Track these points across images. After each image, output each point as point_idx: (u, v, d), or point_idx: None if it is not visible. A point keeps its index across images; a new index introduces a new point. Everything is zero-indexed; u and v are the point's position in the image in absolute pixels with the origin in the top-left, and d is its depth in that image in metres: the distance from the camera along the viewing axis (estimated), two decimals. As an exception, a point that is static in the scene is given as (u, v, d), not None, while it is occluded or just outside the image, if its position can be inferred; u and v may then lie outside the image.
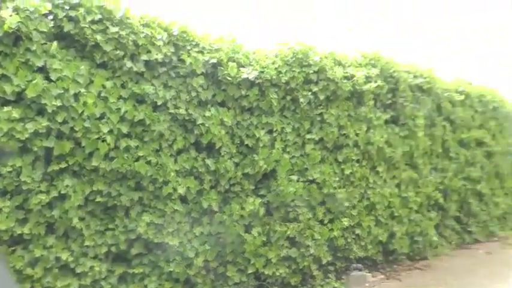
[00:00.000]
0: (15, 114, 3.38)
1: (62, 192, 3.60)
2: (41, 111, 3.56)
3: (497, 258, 7.25)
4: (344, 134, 5.70)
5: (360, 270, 5.27)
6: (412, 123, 6.78)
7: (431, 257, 7.10)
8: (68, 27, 3.74)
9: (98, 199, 3.84)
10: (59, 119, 3.58)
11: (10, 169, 3.36)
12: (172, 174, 4.14)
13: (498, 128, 9.61)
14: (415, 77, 6.96)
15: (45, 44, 3.62)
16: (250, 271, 4.72)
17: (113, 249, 3.92)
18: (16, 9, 3.45)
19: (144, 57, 4.13)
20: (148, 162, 4.05)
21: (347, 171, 5.69)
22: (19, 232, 3.41)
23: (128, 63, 4.03)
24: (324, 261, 5.38)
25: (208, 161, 4.48)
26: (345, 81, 5.58)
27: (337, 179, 5.56)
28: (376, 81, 5.98)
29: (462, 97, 8.04)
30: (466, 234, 8.24)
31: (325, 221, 5.48)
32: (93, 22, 3.86)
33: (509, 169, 9.87)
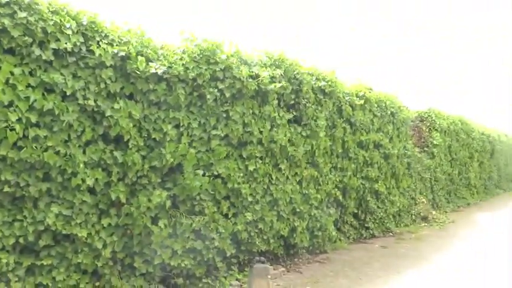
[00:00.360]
0: None
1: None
2: None
3: (391, 252, 9.02)
4: (248, 132, 6.86)
5: (263, 262, 6.40)
6: (314, 124, 8.22)
7: (331, 251, 8.65)
8: (-29, 10, 4.31)
9: (6, 189, 4.44)
10: (-34, 105, 4.15)
11: None
12: (81, 165, 4.87)
13: (395, 132, 11.71)
14: (318, 79, 8.44)
15: None
16: (156, 262, 5.60)
17: (21, 240, 4.54)
18: None
19: (53, 45, 4.80)
20: (57, 153, 4.74)
21: (251, 168, 6.86)
22: None
23: (37, 51, 4.68)
24: (228, 254, 6.46)
25: (116, 153, 5.28)
26: (251, 80, 6.76)
27: (241, 174, 6.70)
28: (280, 82, 7.26)
29: (362, 101, 9.79)
30: (364, 229, 10.02)
31: (229, 215, 6.59)
32: (0, 5, 4.46)
33: (405, 170, 12.04)
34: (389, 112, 11.25)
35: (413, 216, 12.37)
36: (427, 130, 15.06)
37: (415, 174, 13.08)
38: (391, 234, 10.74)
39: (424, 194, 13.70)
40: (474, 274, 7.16)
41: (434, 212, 13.23)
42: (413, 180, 12.95)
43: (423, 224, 12.22)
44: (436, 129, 15.33)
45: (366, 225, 10.26)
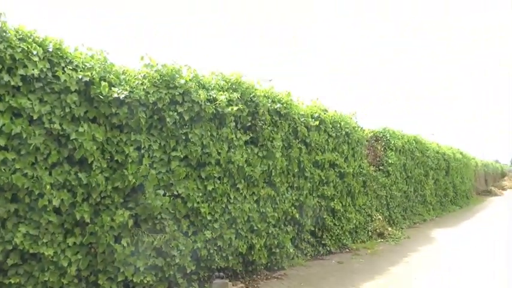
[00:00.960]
0: None
1: None
2: None
3: (347, 267, 9.78)
4: (207, 153, 7.49)
5: (222, 278, 7.01)
6: (270, 145, 8.94)
7: (288, 267, 9.30)
8: None
9: (-26, 210, 4.87)
10: None
11: None
12: (48, 187, 5.36)
13: (350, 152, 12.61)
14: (273, 102, 9.21)
15: None
16: (120, 279, 6.09)
17: (-11, 258, 4.96)
18: None
19: (21, 71, 5.32)
20: (25, 175, 5.22)
21: (209, 187, 7.48)
22: None
23: (6, 77, 5.19)
24: (188, 270, 7.02)
25: (81, 175, 5.79)
26: (208, 103, 7.43)
27: (200, 194, 7.31)
28: (237, 105, 7.96)
29: (317, 122, 10.63)
30: (321, 246, 10.76)
31: (189, 233, 7.15)
32: (-30, 35, 4.96)
33: (360, 188, 12.94)
34: (344, 132, 12.15)
35: (369, 232, 13.23)
36: (382, 149, 16.13)
37: (370, 192, 14.02)
38: (347, 250, 11.52)
39: (380, 211, 14.66)
40: (419, 282, 7.97)
41: (390, 229, 14.16)
42: (369, 197, 13.88)
43: (379, 240, 13.10)
44: (390, 148, 16.44)
45: (323, 242, 11.01)
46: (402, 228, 15.43)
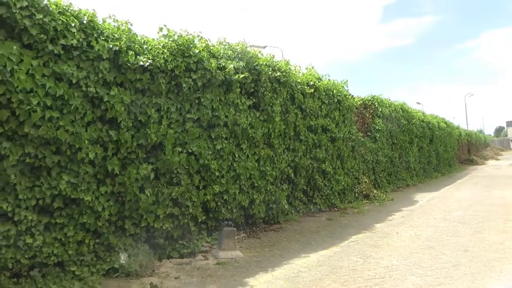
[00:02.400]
0: (-35, 86, 5.19)
1: (2, 152, 5.49)
2: (-16, 84, 5.39)
3: (336, 223, 10.95)
4: (216, 116, 8.44)
5: (230, 226, 8.07)
6: (270, 110, 9.90)
7: (283, 222, 10.44)
8: (0, 11, 5.59)
9: (27, 160, 5.79)
10: (1, 91, 5.46)
11: (-36, 131, 5.15)
12: (86, 141, 6.29)
13: (341, 118, 13.65)
14: (274, 70, 10.12)
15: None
16: (143, 225, 7.11)
17: (40, 202, 5.91)
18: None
19: (62, 41, 6.15)
20: (67, 131, 6.12)
21: (218, 147, 8.47)
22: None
23: (50, 46, 6.02)
24: (199, 220, 8.07)
25: (111, 132, 6.71)
26: (219, 71, 8.33)
27: (210, 152, 8.29)
28: (243, 73, 8.87)
29: (312, 90, 11.59)
30: (312, 204, 11.91)
31: (200, 187, 8.17)
32: (21, 8, 5.76)
33: (349, 153, 14.04)
34: (336, 100, 13.15)
35: (356, 194, 14.44)
36: (370, 116, 17.21)
37: (358, 157, 15.17)
38: (336, 209, 12.71)
39: (367, 174, 15.85)
40: (398, 236, 9.14)
41: (375, 191, 15.38)
42: (357, 161, 15.02)
43: (365, 201, 14.32)
44: (378, 116, 17.53)
45: (314, 200, 12.16)
46: (387, 192, 16.68)
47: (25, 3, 5.77)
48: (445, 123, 30.64)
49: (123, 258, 6.57)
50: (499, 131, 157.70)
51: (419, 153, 22.89)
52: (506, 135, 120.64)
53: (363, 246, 8.33)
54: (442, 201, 14.73)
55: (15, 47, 5.64)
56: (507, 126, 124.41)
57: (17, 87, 5.59)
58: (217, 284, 6.15)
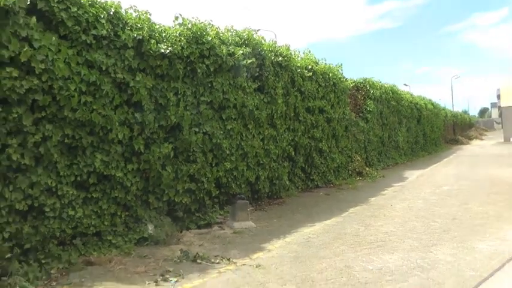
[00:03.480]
0: (15, 73, 5.83)
1: (46, 134, 6.17)
2: (29, 72, 6.03)
3: (333, 197, 11.82)
4: (226, 98, 9.16)
5: (243, 199, 8.85)
6: (273, 92, 10.65)
7: (285, 197, 11.27)
8: (40, 5, 6.21)
9: (66, 141, 6.47)
10: (43, 78, 6.11)
11: (15, 115, 5.81)
12: (116, 123, 6.98)
13: (336, 100, 14.45)
14: (276, 55, 10.84)
15: (26, 18, 6.05)
16: (164, 199, 7.87)
17: (78, 178, 6.62)
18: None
19: (93, 32, 6.80)
20: (99, 114, 6.81)
21: (228, 127, 9.21)
22: (24, 162, 5.88)
23: (83, 36, 6.67)
24: (213, 194, 8.84)
25: (137, 115, 7.40)
26: (229, 57, 9.02)
27: (221, 132, 9.04)
28: (250, 58, 9.58)
29: (310, 74, 12.34)
30: (309, 181, 12.76)
31: (213, 164, 8.93)
32: (58, 2, 6.37)
33: (343, 132, 14.89)
34: (331, 82, 13.93)
35: (349, 171, 15.33)
36: (362, 98, 18.05)
37: (351, 136, 16.03)
38: (331, 185, 13.59)
39: (359, 153, 16.74)
40: (393, 208, 10.03)
41: (367, 169, 16.30)
42: (350, 141, 15.89)
43: (358, 178, 15.23)
44: (370, 97, 18.37)
45: (311, 177, 13.00)
46: (377, 169, 17.61)
47: (61, -3, 6.40)
48: (432, 104, 31.66)
49: (150, 228, 7.33)
50: (483, 112, 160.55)
51: (408, 133, 23.85)
52: (490, 116, 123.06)
53: (362, 217, 9.20)
54: (430, 178, 15.70)
55: (54, 38, 6.28)
56: (491, 107, 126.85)
57: (57, 74, 6.24)
58: (238, 249, 6.95)
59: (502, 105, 41.41)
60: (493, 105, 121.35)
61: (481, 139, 51.11)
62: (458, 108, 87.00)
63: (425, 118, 27.77)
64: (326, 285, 5.27)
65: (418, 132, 26.07)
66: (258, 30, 19.46)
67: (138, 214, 7.42)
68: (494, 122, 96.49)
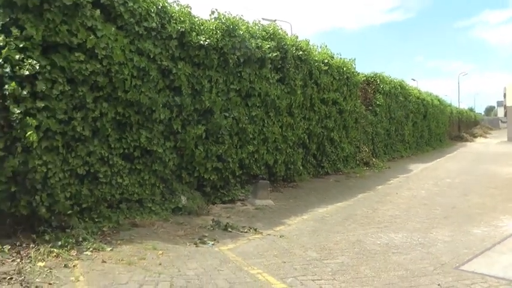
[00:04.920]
0: (82, 58, 6.81)
1: (102, 111, 7.16)
2: (92, 57, 7.00)
3: (343, 184, 12.86)
4: (252, 87, 10.14)
5: (264, 179, 9.88)
6: (293, 83, 11.62)
7: (298, 181, 12.29)
8: (103, 0, 7.17)
9: (118, 118, 7.47)
10: (104, 63, 7.09)
11: (81, 93, 6.80)
12: (160, 105, 7.97)
13: (348, 93, 15.41)
14: (297, 49, 11.79)
15: (92, 10, 7.01)
16: (195, 175, 8.89)
17: (126, 151, 7.62)
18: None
19: (145, 24, 7.76)
20: (146, 96, 7.79)
21: (253, 113, 10.21)
22: (84, 133, 6.88)
23: (136, 27, 7.63)
24: (236, 174, 9.86)
25: (176, 98, 8.39)
26: (257, 50, 9.98)
27: (246, 117, 10.03)
28: (274, 51, 10.54)
29: (326, 67, 13.31)
30: (320, 168, 13.80)
31: (238, 146, 9.93)
32: (117, -3, 7.33)
33: (353, 124, 15.87)
34: (345, 76, 14.88)
35: (357, 161, 16.34)
36: (372, 92, 18.99)
37: (360, 128, 17.02)
38: (341, 173, 14.60)
39: (367, 144, 17.74)
40: (398, 196, 11.05)
41: (374, 159, 17.31)
42: (359, 132, 16.89)
43: (365, 168, 16.24)
44: (379, 92, 19.31)
45: (322, 164, 14.02)
46: (383, 161, 18.61)
47: (120, -8, 7.35)
48: (438, 100, 32.55)
49: (183, 200, 8.36)
50: (489, 110, 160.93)
51: (414, 127, 24.79)
52: (496, 115, 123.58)
53: (370, 202, 10.23)
54: (433, 171, 16.71)
55: (113, 29, 7.25)
56: (497, 106, 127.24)
57: (115, 60, 7.21)
58: (262, 222, 7.98)
59: (507, 105, 42.13)
60: (499, 103, 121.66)
61: (486, 137, 51.94)
62: (464, 105, 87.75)
63: (431, 114, 28.68)
64: (341, 253, 6.29)
65: (423, 127, 26.99)
66: (274, 21, 20.52)
67: (173, 186, 8.46)
68: (500, 121, 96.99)
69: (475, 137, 49.61)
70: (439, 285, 5.02)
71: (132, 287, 4.72)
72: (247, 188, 10.20)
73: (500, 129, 78.22)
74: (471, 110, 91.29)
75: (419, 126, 26.06)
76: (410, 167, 18.10)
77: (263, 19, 29.07)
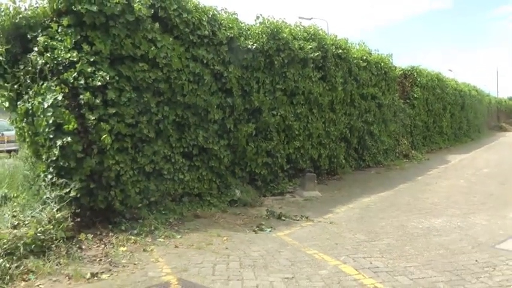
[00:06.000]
0: (145, 67, 7.47)
1: (164, 114, 7.82)
2: (153, 66, 7.66)
3: (384, 176, 13.22)
4: (296, 86, 10.66)
5: (312, 173, 10.40)
6: (334, 81, 12.07)
7: (341, 174, 12.73)
8: (160, 13, 7.81)
9: (177, 119, 8.12)
10: (164, 71, 7.75)
11: (145, 99, 7.47)
12: (214, 106, 8.59)
13: (386, 87, 15.73)
14: (337, 48, 12.24)
15: (151, 24, 7.66)
16: (247, 170, 9.48)
17: (186, 150, 8.27)
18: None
19: (198, 32, 8.38)
20: (202, 98, 8.42)
21: (298, 110, 10.73)
22: (149, 135, 7.54)
23: (191, 36, 8.26)
24: (284, 168, 10.41)
25: (228, 99, 8.99)
26: (300, 51, 10.49)
27: (292, 115, 10.56)
28: (315, 52, 11.02)
29: (365, 64, 13.69)
30: (361, 161, 14.20)
31: (285, 142, 10.48)
32: (174, 10, 7.96)
33: (392, 117, 16.17)
34: (383, 71, 15.21)
35: (397, 153, 16.62)
36: (409, 85, 19.18)
37: (399, 121, 17.28)
38: (381, 166, 14.95)
39: (405, 137, 17.98)
40: (437, 185, 11.34)
41: (413, 152, 17.54)
42: (398, 125, 17.15)
43: (405, 160, 16.51)
44: (416, 85, 19.48)
45: (363, 158, 14.41)
46: (422, 153, 18.80)
47: (175, 6, 7.98)
48: (476, 91, 32.20)
49: (238, 193, 8.96)
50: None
51: (451, 119, 24.73)
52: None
53: (411, 191, 10.60)
54: (471, 162, 16.83)
55: (171, 39, 7.90)
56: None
57: (173, 67, 7.86)
58: (311, 211, 8.50)
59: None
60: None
61: (526, 127, 50.78)
62: (503, 94, 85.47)
63: (468, 105, 28.46)
64: (387, 236, 6.75)
65: (461, 119, 26.86)
66: (310, 19, 20.90)
67: (228, 181, 9.08)
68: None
69: (515, 126, 48.53)
70: (476, 261, 5.42)
71: (208, 266, 5.32)
72: (295, 181, 10.73)
73: (542, 118, 75.89)
74: (511, 99, 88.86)
75: (457, 118, 25.96)
76: (448, 158, 18.23)
77: (300, 18, 29.70)
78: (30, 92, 7.01)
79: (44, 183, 6.97)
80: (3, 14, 7.15)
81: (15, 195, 7.55)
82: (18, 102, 7.20)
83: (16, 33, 7.19)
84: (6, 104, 7.49)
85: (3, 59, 7.27)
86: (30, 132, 7.12)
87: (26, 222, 6.23)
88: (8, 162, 9.23)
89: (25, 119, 7.15)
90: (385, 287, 4.67)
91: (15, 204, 7.11)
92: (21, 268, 5.24)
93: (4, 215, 6.59)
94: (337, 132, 12.48)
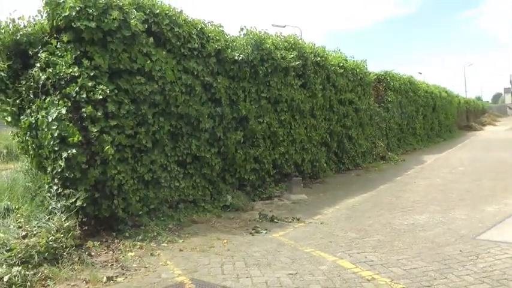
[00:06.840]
0: (142, 80, 8.00)
1: (160, 124, 8.36)
2: (150, 79, 8.19)
3: (364, 178, 14.00)
4: (280, 94, 11.33)
5: (298, 177, 11.06)
6: (313, 88, 12.80)
7: (323, 177, 13.45)
8: (154, 28, 8.35)
9: (171, 130, 8.66)
10: (160, 83, 8.29)
11: (143, 111, 7.99)
12: (206, 116, 9.16)
13: (362, 92, 16.58)
14: (315, 56, 12.98)
15: (146, 38, 8.19)
16: (236, 176, 10.08)
17: (180, 158, 8.82)
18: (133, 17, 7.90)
19: (188, 45, 8.95)
20: (193, 108, 8.98)
21: (282, 117, 11.40)
22: (147, 145, 8.07)
23: (182, 49, 8.82)
24: (271, 173, 11.05)
25: (218, 109, 9.58)
26: (282, 60, 11.18)
27: (276, 122, 11.22)
28: (296, 60, 11.72)
29: (342, 70, 14.49)
30: (341, 164, 14.97)
31: (271, 148, 11.12)
32: (166, 24, 8.52)
33: (368, 121, 17.04)
34: (359, 77, 16.06)
35: (374, 155, 17.49)
36: (383, 89, 20.15)
37: (375, 124, 18.18)
38: (360, 168, 15.76)
39: (381, 139, 18.89)
40: (416, 184, 12.17)
41: (389, 153, 18.45)
42: (374, 128, 18.05)
43: (382, 162, 17.39)
44: (390, 89, 20.48)
45: (343, 161, 15.19)
46: (398, 154, 19.75)
47: (167, 21, 8.53)
48: (446, 92, 33.64)
49: (229, 198, 9.55)
50: (496, 97, 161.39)
51: (424, 120, 25.90)
52: (503, 102, 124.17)
53: (392, 191, 11.38)
54: (446, 161, 17.83)
55: (164, 52, 8.45)
56: (504, 93, 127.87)
57: (167, 80, 8.41)
58: (301, 213, 9.15)
59: (514, 93, 43.02)
60: (506, 90, 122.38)
61: (494, 125, 52.89)
62: (471, 95, 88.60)
63: (439, 106, 29.77)
64: (376, 233, 7.44)
65: (433, 120, 28.10)
66: (284, 26, 21.82)
67: (219, 187, 9.65)
68: (508, 108, 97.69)
69: (484, 125, 50.55)
70: (460, 251, 6.15)
71: (215, 266, 5.88)
72: (281, 185, 11.38)
73: (509, 116, 79.01)
74: (478, 98, 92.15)
75: (429, 119, 27.17)
76: (423, 158, 19.21)
77: (273, 25, 30.50)
78: (33, 107, 7.44)
79: (49, 194, 7.42)
80: (3, 31, 7.57)
81: (16, 206, 7.94)
82: (21, 117, 7.62)
83: (17, 50, 7.61)
84: (9, 119, 7.89)
85: (5, 75, 7.67)
86: (34, 145, 7.54)
87: (34, 232, 6.68)
88: (4, 174, 9.54)
89: (28, 133, 7.56)
90: (383, 277, 5.32)
91: (18, 215, 7.51)
92: (39, 275, 5.65)
93: (9, 226, 7.01)
94: (318, 137, 13.19)
